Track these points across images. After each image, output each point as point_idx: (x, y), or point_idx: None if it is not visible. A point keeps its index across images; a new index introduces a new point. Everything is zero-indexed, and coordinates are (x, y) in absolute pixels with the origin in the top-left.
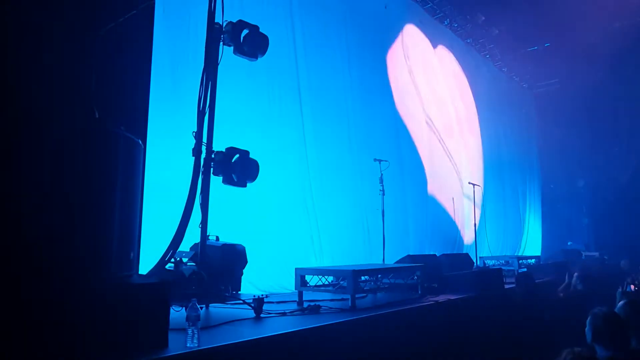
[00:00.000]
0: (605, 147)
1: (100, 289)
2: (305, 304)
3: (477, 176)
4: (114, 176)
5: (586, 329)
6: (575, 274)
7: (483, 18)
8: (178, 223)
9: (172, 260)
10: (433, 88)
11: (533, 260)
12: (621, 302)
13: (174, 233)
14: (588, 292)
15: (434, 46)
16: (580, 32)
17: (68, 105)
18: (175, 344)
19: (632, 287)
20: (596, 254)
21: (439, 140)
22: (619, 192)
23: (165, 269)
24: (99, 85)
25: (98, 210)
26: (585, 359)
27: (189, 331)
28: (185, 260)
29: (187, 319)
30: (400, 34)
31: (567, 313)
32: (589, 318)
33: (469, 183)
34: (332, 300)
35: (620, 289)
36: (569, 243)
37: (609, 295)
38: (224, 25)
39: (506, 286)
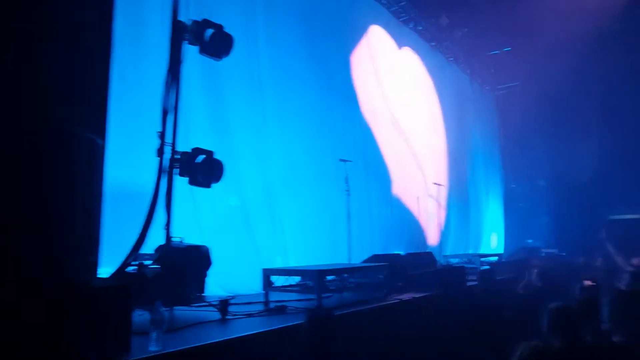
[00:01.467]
0: (565, 147)
1: (59, 293)
2: (272, 305)
3: (442, 176)
4: (72, 176)
5: (543, 322)
6: (535, 271)
7: (447, 21)
8: (141, 225)
9: (135, 262)
10: (398, 89)
11: (495, 258)
12: (578, 297)
13: (137, 235)
14: (546, 288)
15: (399, 48)
16: (542, 34)
17: (23, 104)
18: (139, 348)
19: (589, 282)
20: (555, 250)
21: (404, 140)
22: (578, 191)
23: (128, 272)
24: (56, 82)
25: (56, 212)
26: (541, 352)
27: (153, 334)
28: (148, 262)
29: (151, 322)
30: (365, 35)
31: (526, 308)
32: (546, 312)
33: (434, 183)
34: (298, 300)
35: (579, 285)
36: (529, 241)
37: (566, 290)
38: (188, 24)
39: (469, 284)
